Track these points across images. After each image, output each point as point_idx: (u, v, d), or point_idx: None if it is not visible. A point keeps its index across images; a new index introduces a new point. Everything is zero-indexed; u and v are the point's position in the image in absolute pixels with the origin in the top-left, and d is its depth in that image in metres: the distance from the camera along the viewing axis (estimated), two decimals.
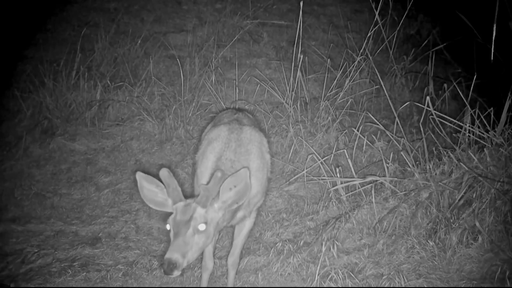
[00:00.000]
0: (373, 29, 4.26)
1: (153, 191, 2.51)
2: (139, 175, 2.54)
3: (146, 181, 2.52)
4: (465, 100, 3.46)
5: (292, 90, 4.32)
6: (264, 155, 2.95)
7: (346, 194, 3.54)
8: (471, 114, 3.39)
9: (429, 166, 3.30)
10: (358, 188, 3.51)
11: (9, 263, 3.18)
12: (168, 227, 2.41)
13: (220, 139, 2.87)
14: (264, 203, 3.29)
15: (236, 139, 2.86)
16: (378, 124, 3.80)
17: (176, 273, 2.27)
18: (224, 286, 3.03)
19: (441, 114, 3.45)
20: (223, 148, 2.81)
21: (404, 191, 3.31)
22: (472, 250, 2.92)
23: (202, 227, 2.37)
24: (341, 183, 3.55)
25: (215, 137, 2.90)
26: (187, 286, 3.07)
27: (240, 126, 2.96)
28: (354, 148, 3.93)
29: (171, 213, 2.44)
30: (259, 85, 4.73)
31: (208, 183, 2.47)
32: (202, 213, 2.39)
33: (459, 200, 3.08)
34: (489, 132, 3.27)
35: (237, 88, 4.74)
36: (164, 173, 2.47)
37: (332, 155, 3.92)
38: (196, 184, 2.89)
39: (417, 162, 3.41)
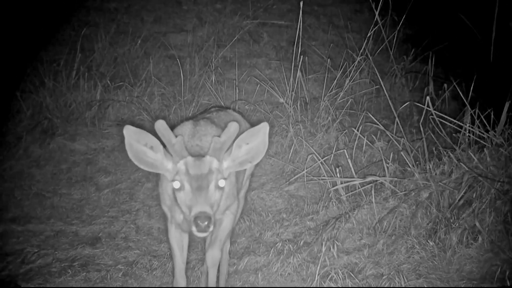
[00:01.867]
0: (373, 29, 4.26)
1: (142, 150, 2.18)
2: (128, 130, 2.16)
3: (135, 137, 2.17)
4: (465, 100, 3.46)
5: (292, 90, 4.32)
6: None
7: (346, 194, 3.54)
8: (471, 114, 3.39)
9: (429, 166, 3.30)
10: (358, 188, 3.51)
11: (9, 263, 3.18)
12: (177, 184, 2.14)
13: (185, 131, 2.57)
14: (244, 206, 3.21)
15: (218, 115, 2.72)
16: (378, 124, 3.80)
17: (211, 229, 2.04)
18: (224, 286, 3.03)
19: (441, 114, 3.45)
20: (187, 140, 2.50)
21: (404, 191, 3.30)
22: (472, 250, 2.92)
23: (222, 183, 2.14)
24: (341, 183, 3.55)
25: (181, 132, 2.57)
26: (187, 286, 3.07)
27: (225, 111, 2.86)
28: (354, 148, 3.93)
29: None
30: (259, 85, 4.73)
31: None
32: (218, 167, 2.15)
33: (459, 200, 3.08)
34: (489, 132, 3.27)
35: (237, 88, 4.74)
36: (160, 125, 2.13)
37: (332, 155, 3.91)
38: (160, 190, 2.59)
39: (417, 162, 3.41)
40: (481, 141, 3.28)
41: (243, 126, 2.66)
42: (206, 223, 2.02)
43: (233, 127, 2.15)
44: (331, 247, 3.08)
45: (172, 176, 2.19)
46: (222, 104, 4.62)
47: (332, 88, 4.43)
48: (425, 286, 2.78)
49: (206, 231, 2.04)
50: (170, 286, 3.04)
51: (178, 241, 2.62)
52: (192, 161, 2.14)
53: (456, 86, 3.80)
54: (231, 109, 3.34)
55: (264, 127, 2.18)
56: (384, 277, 2.85)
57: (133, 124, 4.73)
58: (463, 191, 3.09)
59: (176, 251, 2.63)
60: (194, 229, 2.06)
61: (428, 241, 3.02)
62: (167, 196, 2.47)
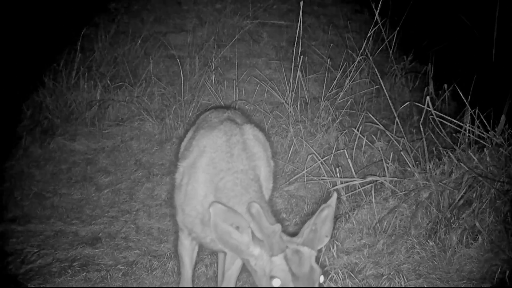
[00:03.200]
0: (373, 29, 4.26)
1: (228, 231, 1.91)
2: (215, 208, 1.89)
3: (223, 216, 1.90)
4: (465, 100, 3.46)
5: (292, 90, 4.32)
6: (270, 162, 2.52)
7: (346, 194, 3.54)
8: (471, 114, 3.40)
9: (429, 166, 3.30)
10: (358, 188, 3.51)
11: (9, 263, 3.18)
12: (277, 283, 1.84)
13: (217, 147, 2.32)
14: None
15: (237, 142, 2.34)
16: (378, 124, 3.81)
17: None
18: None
19: (441, 114, 3.45)
20: (225, 159, 2.27)
21: (404, 191, 3.31)
22: (472, 250, 2.92)
23: (322, 279, 1.88)
24: (341, 183, 3.55)
25: (209, 144, 2.35)
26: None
27: (237, 126, 2.45)
28: (354, 148, 3.93)
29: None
30: (259, 85, 4.73)
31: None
32: (316, 260, 1.90)
33: (459, 200, 3.08)
34: (489, 132, 3.27)
35: (237, 88, 4.74)
36: (256, 211, 1.84)
37: (332, 155, 3.91)
38: (181, 207, 2.35)
39: (417, 162, 3.41)
40: (481, 141, 3.29)
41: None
42: None
43: (325, 212, 1.93)
44: (331, 247, 3.08)
45: (267, 269, 1.90)
46: (222, 104, 4.62)
47: (332, 88, 4.43)
48: (425, 286, 2.78)
49: None
50: (170, 286, 3.04)
51: (189, 254, 2.49)
52: (293, 255, 1.86)
53: (456, 86, 3.80)
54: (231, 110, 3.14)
55: (335, 198, 2.00)
56: (384, 277, 2.85)
57: (132, 123, 4.73)
58: (463, 191, 3.09)
59: (187, 264, 2.51)
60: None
61: (428, 241, 3.02)
62: (196, 220, 2.27)
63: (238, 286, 3.01)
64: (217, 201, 1.98)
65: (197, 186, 2.27)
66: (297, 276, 1.82)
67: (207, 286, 3.01)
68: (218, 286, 2.92)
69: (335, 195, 2.00)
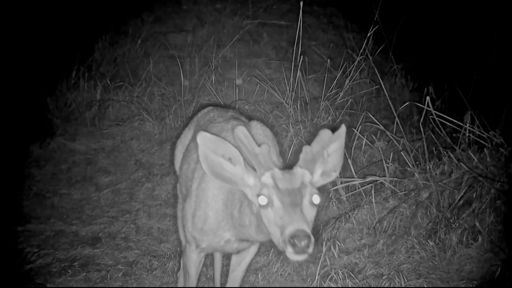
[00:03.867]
0: (373, 29, 4.26)
1: (219, 162, 1.86)
2: (203, 137, 1.83)
3: (212, 146, 1.84)
4: (465, 100, 3.46)
5: (292, 90, 4.32)
6: (278, 158, 2.46)
7: (346, 194, 3.54)
8: (471, 114, 3.40)
9: (429, 166, 3.30)
10: (358, 188, 3.51)
11: (9, 263, 3.18)
12: (264, 200, 1.81)
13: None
14: None
15: None
16: (378, 124, 3.80)
17: (311, 251, 1.72)
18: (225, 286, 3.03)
19: (441, 114, 3.45)
20: None
21: (404, 191, 3.31)
22: (472, 250, 2.92)
23: (316, 199, 1.83)
24: (341, 183, 3.55)
25: None
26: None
27: (244, 123, 2.42)
28: (353, 148, 3.93)
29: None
30: (259, 85, 4.73)
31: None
32: (311, 180, 1.85)
33: (459, 200, 3.08)
34: (489, 132, 3.27)
35: (237, 88, 4.74)
36: (241, 132, 1.82)
37: None
38: (191, 214, 2.25)
39: (417, 162, 3.41)
40: (481, 141, 3.28)
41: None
42: (305, 242, 1.69)
43: (326, 135, 1.87)
44: (331, 247, 3.08)
45: (256, 191, 1.87)
46: (222, 104, 4.62)
47: (332, 88, 4.43)
48: (425, 286, 2.78)
49: (304, 253, 1.72)
50: (170, 286, 3.04)
51: (196, 267, 2.40)
52: (281, 173, 1.83)
53: (456, 86, 3.80)
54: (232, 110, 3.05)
55: (343, 130, 1.93)
56: (384, 277, 2.85)
57: (132, 123, 4.74)
58: (463, 191, 3.09)
59: (193, 276, 2.42)
60: (290, 250, 1.73)
61: (428, 241, 3.02)
62: (210, 221, 2.18)
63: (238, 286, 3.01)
64: (204, 130, 1.90)
65: (208, 185, 2.20)
66: (282, 191, 1.78)
67: (207, 286, 3.01)
68: (218, 286, 2.92)
69: (343, 127, 1.94)
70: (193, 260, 2.38)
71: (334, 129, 1.96)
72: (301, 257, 1.75)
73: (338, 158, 1.95)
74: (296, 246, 1.70)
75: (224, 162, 1.86)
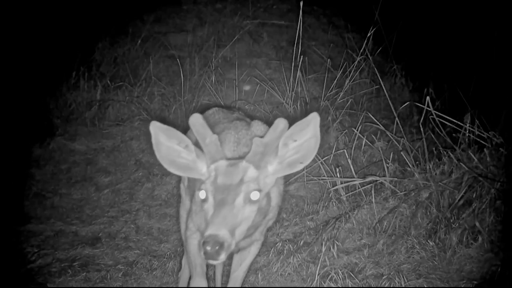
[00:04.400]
0: (373, 29, 4.26)
1: (175, 149, 1.88)
2: (155, 126, 1.86)
3: (164, 135, 1.86)
4: (465, 100, 3.46)
5: (292, 90, 4.32)
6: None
7: (346, 194, 3.54)
8: (471, 114, 3.39)
9: (429, 166, 3.30)
10: (358, 188, 3.51)
11: (9, 263, 3.18)
12: (202, 194, 1.80)
13: (227, 140, 2.26)
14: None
15: (246, 134, 2.29)
16: (378, 124, 3.80)
17: (223, 257, 1.68)
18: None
19: (441, 114, 3.45)
20: (232, 148, 2.20)
21: (404, 191, 3.30)
22: (472, 250, 2.92)
23: (255, 195, 1.78)
24: (341, 183, 3.55)
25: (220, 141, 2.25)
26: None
27: (247, 123, 2.45)
28: (353, 148, 3.93)
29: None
30: (259, 85, 4.73)
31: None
32: (255, 175, 1.80)
33: (459, 200, 3.08)
34: (489, 132, 3.27)
35: (237, 88, 4.74)
36: (196, 120, 1.85)
37: (332, 155, 3.91)
38: (189, 216, 2.27)
39: (417, 162, 3.40)
40: (481, 141, 3.28)
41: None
42: (215, 248, 1.64)
43: (281, 124, 1.79)
44: (331, 247, 3.08)
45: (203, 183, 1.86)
46: (222, 104, 4.62)
47: (332, 88, 4.43)
48: (425, 286, 2.78)
49: (215, 259, 1.66)
50: (170, 286, 3.04)
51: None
52: (225, 166, 1.81)
53: (456, 86, 3.80)
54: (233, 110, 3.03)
55: (315, 119, 1.83)
56: (384, 277, 2.85)
57: (132, 123, 4.73)
58: (463, 191, 3.08)
59: (198, 266, 2.38)
60: (202, 253, 1.69)
61: (428, 241, 3.02)
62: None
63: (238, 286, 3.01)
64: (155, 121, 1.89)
65: None
66: (218, 186, 1.76)
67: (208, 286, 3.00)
68: (219, 286, 2.92)
69: (315, 114, 1.84)
70: (195, 244, 2.35)
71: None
72: (213, 262, 1.76)
73: (305, 149, 1.87)
74: (206, 252, 1.66)
75: (181, 149, 1.88)
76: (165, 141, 1.87)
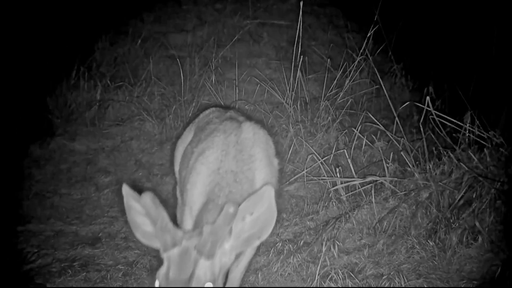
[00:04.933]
0: (373, 29, 4.26)
1: (142, 219, 1.83)
2: (126, 191, 1.82)
3: (135, 201, 1.82)
4: (465, 100, 3.46)
5: (292, 90, 4.32)
6: (272, 160, 2.44)
7: (346, 194, 3.54)
8: (471, 114, 3.39)
9: (429, 166, 3.30)
10: (358, 188, 3.51)
11: (9, 263, 3.18)
12: (157, 283, 1.75)
13: (214, 145, 2.25)
14: None
15: (235, 142, 2.26)
16: (378, 124, 3.81)
17: None
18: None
19: (441, 114, 3.45)
20: (219, 157, 2.19)
21: (404, 191, 3.30)
22: (472, 250, 2.92)
23: (208, 285, 1.72)
24: (341, 183, 3.55)
25: (207, 145, 2.27)
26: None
27: (237, 124, 2.38)
28: (352, 148, 3.93)
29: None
30: (259, 85, 4.73)
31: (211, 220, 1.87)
32: (207, 267, 1.73)
33: (459, 200, 3.08)
34: (489, 132, 3.27)
35: (237, 88, 4.74)
36: (147, 200, 1.74)
37: (332, 155, 3.91)
38: (182, 213, 2.30)
39: (417, 162, 3.41)
40: (481, 141, 3.28)
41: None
42: None
43: (230, 209, 1.68)
44: (331, 247, 3.08)
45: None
46: (222, 104, 4.62)
47: (332, 88, 4.43)
48: (425, 286, 2.78)
49: None
50: None
51: None
52: (176, 257, 1.74)
53: (456, 86, 3.80)
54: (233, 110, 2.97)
55: (268, 191, 1.73)
56: (384, 277, 2.85)
57: (132, 123, 4.71)
58: (463, 191, 3.08)
59: None
60: None
61: (428, 241, 3.02)
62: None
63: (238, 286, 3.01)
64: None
65: (195, 191, 2.18)
66: (169, 281, 1.69)
67: None
68: None
69: (268, 187, 1.75)
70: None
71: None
72: None
73: (262, 222, 1.76)
74: None
75: (146, 220, 1.81)
76: (135, 206, 1.82)
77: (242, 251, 1.92)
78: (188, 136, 2.74)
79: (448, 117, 3.45)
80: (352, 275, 2.88)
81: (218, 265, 1.76)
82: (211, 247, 1.72)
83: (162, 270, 1.75)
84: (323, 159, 3.76)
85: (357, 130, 3.89)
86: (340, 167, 3.67)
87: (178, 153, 2.75)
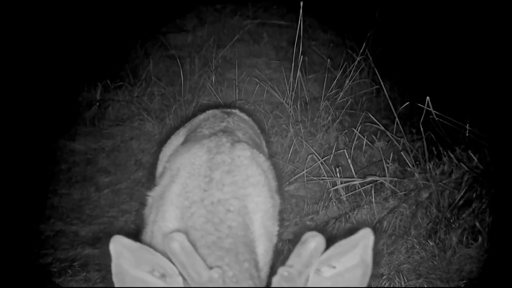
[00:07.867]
0: (373, 29, 4.27)
1: (144, 281, 1.25)
2: (117, 244, 1.28)
3: (131, 258, 1.27)
4: (465, 100, 3.46)
5: (292, 90, 4.32)
6: (273, 194, 1.95)
7: (346, 194, 3.55)
8: (470, 114, 3.40)
9: (429, 166, 3.30)
10: (358, 188, 3.51)
11: (9, 263, 3.18)
12: None
13: (194, 169, 1.75)
14: None
15: (222, 162, 1.77)
16: (378, 124, 3.81)
17: None
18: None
19: (441, 114, 3.45)
20: (200, 185, 1.69)
21: (404, 191, 3.31)
22: (472, 250, 2.92)
23: None
24: (341, 183, 3.55)
25: (184, 166, 1.78)
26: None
27: (230, 141, 1.90)
28: (352, 148, 3.93)
29: None
30: (259, 85, 4.73)
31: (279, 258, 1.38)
32: None
33: (459, 200, 3.08)
34: (489, 132, 3.27)
35: (237, 88, 4.74)
36: (175, 244, 1.15)
37: (332, 155, 3.92)
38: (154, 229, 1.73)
39: (417, 162, 3.41)
40: (481, 141, 3.28)
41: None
42: None
43: (313, 243, 1.14)
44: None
45: None
46: (222, 104, 4.62)
47: (332, 88, 4.43)
48: (425, 286, 2.78)
49: None
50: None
51: None
52: None
53: (456, 86, 3.81)
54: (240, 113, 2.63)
55: (367, 238, 1.21)
56: (384, 277, 2.85)
57: (132, 123, 4.72)
58: (463, 191, 3.09)
59: None
60: None
61: (428, 241, 3.02)
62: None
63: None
64: (120, 235, 1.21)
65: (164, 226, 1.67)
66: None
67: None
68: None
69: (367, 231, 1.23)
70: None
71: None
72: None
73: (350, 281, 1.23)
74: None
75: (154, 280, 1.24)
76: (130, 269, 1.27)
77: None
78: (173, 141, 2.45)
79: (448, 117, 3.45)
80: None
81: None
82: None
83: None
84: (323, 159, 3.76)
85: (357, 130, 3.89)
86: (340, 167, 3.67)
87: (163, 155, 2.44)
